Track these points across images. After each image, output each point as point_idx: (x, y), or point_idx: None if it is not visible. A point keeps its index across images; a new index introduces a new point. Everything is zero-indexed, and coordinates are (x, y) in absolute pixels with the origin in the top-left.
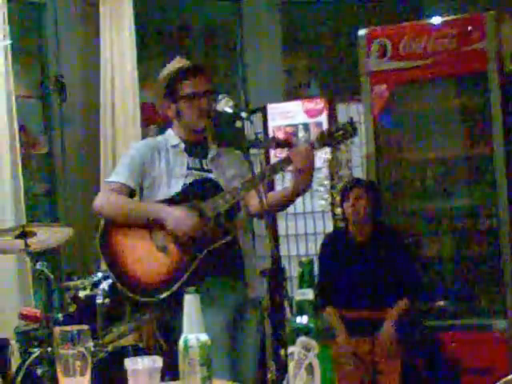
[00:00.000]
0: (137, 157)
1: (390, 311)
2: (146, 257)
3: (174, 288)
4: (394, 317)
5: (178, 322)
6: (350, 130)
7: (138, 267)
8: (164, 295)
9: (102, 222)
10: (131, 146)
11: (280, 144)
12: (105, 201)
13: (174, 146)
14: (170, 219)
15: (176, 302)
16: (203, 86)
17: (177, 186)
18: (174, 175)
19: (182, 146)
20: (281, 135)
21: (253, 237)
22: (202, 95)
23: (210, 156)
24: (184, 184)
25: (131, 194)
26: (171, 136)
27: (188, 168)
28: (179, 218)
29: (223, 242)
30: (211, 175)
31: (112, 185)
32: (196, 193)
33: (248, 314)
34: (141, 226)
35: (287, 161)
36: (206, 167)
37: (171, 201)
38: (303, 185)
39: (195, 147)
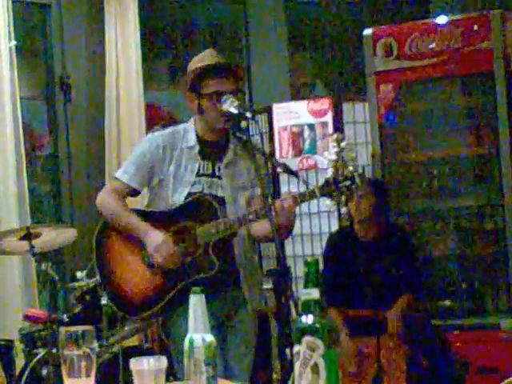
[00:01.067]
0: (147, 156)
1: (393, 309)
2: (134, 271)
3: (154, 310)
4: (398, 312)
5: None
6: (358, 182)
7: (125, 280)
8: (144, 315)
9: (100, 223)
10: (145, 140)
11: (287, 171)
12: (103, 200)
13: (190, 148)
14: (151, 245)
15: (179, 303)
16: (229, 86)
17: (180, 194)
18: (181, 182)
19: (197, 148)
20: (286, 136)
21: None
22: (229, 95)
23: (225, 160)
24: (188, 193)
25: (135, 193)
26: (190, 131)
27: (198, 174)
28: (159, 246)
29: (206, 275)
30: (220, 182)
31: (115, 183)
32: (195, 212)
33: (241, 315)
34: (134, 237)
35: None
36: (216, 173)
37: (169, 215)
38: (282, 235)
39: (212, 148)
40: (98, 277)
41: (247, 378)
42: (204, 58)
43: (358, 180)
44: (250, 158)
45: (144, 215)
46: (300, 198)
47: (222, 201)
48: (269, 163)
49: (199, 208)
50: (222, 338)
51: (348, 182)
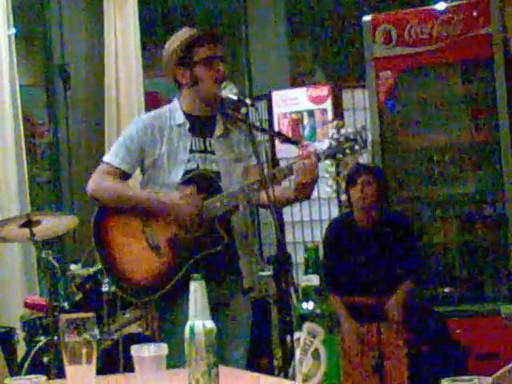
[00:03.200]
0: (135, 138)
1: (394, 296)
2: (137, 254)
3: (164, 291)
4: (399, 299)
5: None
6: (360, 141)
7: (129, 264)
8: (152, 297)
9: (96, 210)
10: (132, 123)
11: (286, 140)
12: (98, 185)
13: (179, 126)
14: (169, 204)
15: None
16: (220, 51)
17: (177, 174)
18: (175, 160)
19: (187, 125)
20: (286, 123)
21: (258, 224)
22: (220, 59)
23: (216, 134)
24: (185, 171)
25: (126, 176)
26: (177, 110)
27: (190, 151)
28: (178, 202)
29: (218, 248)
30: (214, 157)
31: (104, 167)
32: (196, 187)
33: (238, 302)
34: (134, 220)
35: (290, 170)
36: (208, 148)
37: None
38: (303, 196)
39: (201, 123)
40: (98, 265)
41: (243, 365)
42: (185, 32)
43: (359, 139)
44: (242, 130)
45: None
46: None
47: (217, 175)
48: (266, 135)
49: (200, 183)
50: (218, 325)
51: (350, 143)
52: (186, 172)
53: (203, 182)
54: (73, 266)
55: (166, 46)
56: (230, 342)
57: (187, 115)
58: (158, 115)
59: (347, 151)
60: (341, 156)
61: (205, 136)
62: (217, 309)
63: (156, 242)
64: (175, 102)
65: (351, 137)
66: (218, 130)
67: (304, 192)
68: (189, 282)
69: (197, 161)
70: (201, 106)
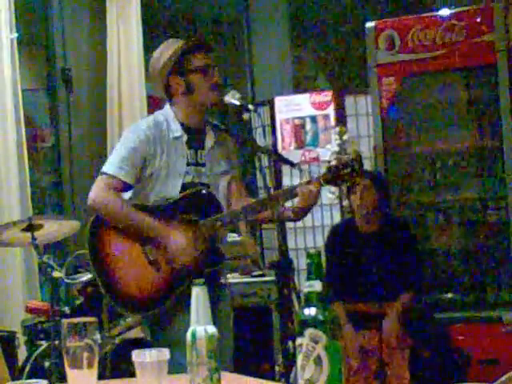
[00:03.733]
0: (140, 149)
1: (392, 305)
2: (135, 268)
3: (162, 307)
4: (397, 310)
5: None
6: (357, 167)
7: (126, 278)
8: (150, 312)
9: (92, 219)
10: (132, 133)
11: (284, 161)
12: (102, 199)
13: (177, 139)
14: (172, 245)
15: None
16: (213, 60)
17: (175, 186)
18: (174, 172)
19: (185, 138)
20: (288, 128)
21: (260, 230)
22: (214, 68)
23: (207, 146)
24: (183, 185)
25: (128, 188)
26: (173, 121)
27: (187, 164)
28: (181, 246)
29: (216, 268)
30: (204, 170)
31: (110, 180)
32: (196, 204)
33: (221, 310)
34: (133, 234)
35: (292, 194)
36: (200, 160)
37: (169, 208)
38: (299, 218)
39: (195, 136)
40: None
41: (231, 370)
42: (174, 43)
43: (356, 166)
44: (230, 141)
45: (144, 210)
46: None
47: (207, 188)
48: (265, 156)
49: (198, 200)
50: None
51: (348, 169)
52: (184, 185)
53: (201, 200)
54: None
55: (156, 56)
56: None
57: (183, 126)
58: (155, 125)
59: (346, 177)
60: (340, 182)
61: (197, 148)
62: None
63: (155, 258)
64: (169, 111)
65: (349, 162)
66: (209, 143)
67: (301, 215)
68: (185, 300)
69: (192, 174)
70: (195, 115)
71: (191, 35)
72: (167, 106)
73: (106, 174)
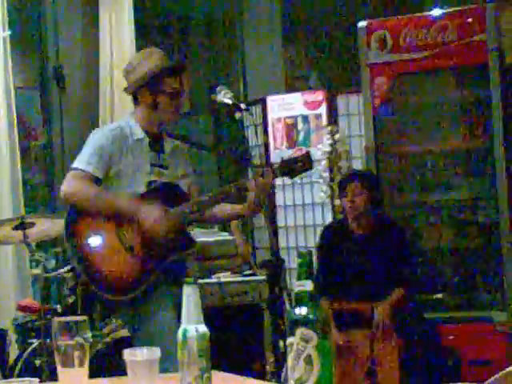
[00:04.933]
0: (106, 147)
1: (383, 301)
2: (112, 254)
3: (141, 289)
4: (388, 304)
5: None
6: (307, 162)
7: (104, 263)
8: (129, 296)
9: (66, 214)
10: (97, 134)
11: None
12: (75, 188)
13: (139, 140)
14: (147, 217)
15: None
16: (184, 85)
17: (139, 184)
18: (139, 171)
19: (147, 140)
20: (280, 128)
21: (251, 229)
22: (180, 92)
23: (167, 151)
24: (149, 182)
25: (97, 183)
26: (134, 125)
27: (151, 165)
28: (156, 217)
29: (187, 252)
30: (167, 172)
31: (78, 173)
32: (160, 196)
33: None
34: (108, 220)
35: (244, 188)
36: (163, 163)
37: (139, 198)
38: (255, 211)
39: (155, 141)
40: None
41: None
42: (156, 59)
43: (306, 160)
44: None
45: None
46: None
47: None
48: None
49: (166, 192)
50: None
51: (300, 164)
52: (149, 183)
53: (169, 191)
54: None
55: (131, 65)
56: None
57: (144, 129)
58: (119, 127)
59: (298, 169)
60: (294, 174)
61: (158, 152)
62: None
63: (130, 243)
64: (131, 118)
65: (300, 158)
66: (167, 148)
67: (256, 208)
68: (159, 284)
69: (156, 174)
70: (155, 125)
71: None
72: (128, 116)
73: (75, 169)
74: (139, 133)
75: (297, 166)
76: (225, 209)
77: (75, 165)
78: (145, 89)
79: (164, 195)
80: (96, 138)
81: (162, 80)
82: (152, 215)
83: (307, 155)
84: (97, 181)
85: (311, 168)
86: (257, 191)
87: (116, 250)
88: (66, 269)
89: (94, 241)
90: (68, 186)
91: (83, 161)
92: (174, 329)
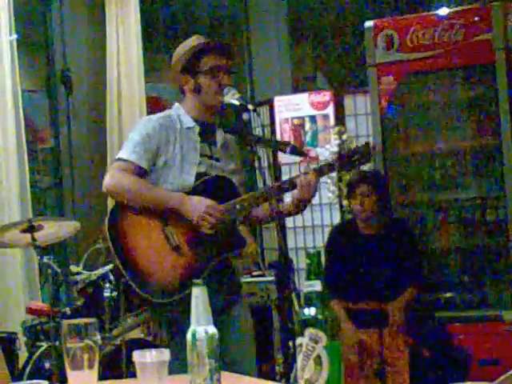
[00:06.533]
0: (152, 137)
1: (396, 301)
2: (157, 254)
3: (187, 292)
4: (401, 304)
5: (184, 316)
6: (367, 153)
7: (149, 265)
8: (175, 298)
9: (111, 208)
10: (143, 123)
11: (295, 152)
12: (117, 181)
13: (189, 129)
14: (194, 207)
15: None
16: (225, 62)
17: (188, 174)
18: (187, 162)
19: (197, 129)
20: (288, 128)
21: (259, 230)
22: (224, 70)
23: (219, 143)
24: (198, 174)
25: (142, 174)
26: (183, 114)
27: (201, 155)
28: (203, 206)
29: (238, 251)
30: (219, 164)
31: (121, 164)
32: (211, 190)
33: (237, 309)
34: (153, 219)
35: (292, 185)
36: (215, 155)
37: (188, 193)
38: (299, 210)
39: (207, 130)
40: (100, 270)
41: (254, 369)
42: (194, 40)
43: (364, 151)
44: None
45: None
46: (319, 172)
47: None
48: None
49: (216, 187)
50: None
51: (357, 156)
52: (198, 175)
53: (221, 185)
54: (73, 267)
55: (175, 52)
56: (235, 349)
57: (194, 119)
58: (167, 116)
59: (355, 163)
60: (347, 168)
61: (210, 142)
62: (218, 316)
63: (176, 243)
64: (178, 107)
65: (358, 149)
66: (220, 140)
67: (301, 207)
68: (208, 285)
69: (205, 165)
70: (205, 113)
71: (213, 35)
72: (176, 104)
73: (119, 159)
74: (189, 121)
75: (355, 159)
76: (266, 208)
77: (119, 155)
78: (185, 72)
79: (215, 190)
80: (142, 127)
81: (200, 60)
82: (200, 209)
83: (367, 146)
84: (142, 172)
85: (369, 161)
86: (301, 190)
87: (161, 249)
88: (107, 268)
89: (138, 241)
90: (110, 178)
91: (127, 150)
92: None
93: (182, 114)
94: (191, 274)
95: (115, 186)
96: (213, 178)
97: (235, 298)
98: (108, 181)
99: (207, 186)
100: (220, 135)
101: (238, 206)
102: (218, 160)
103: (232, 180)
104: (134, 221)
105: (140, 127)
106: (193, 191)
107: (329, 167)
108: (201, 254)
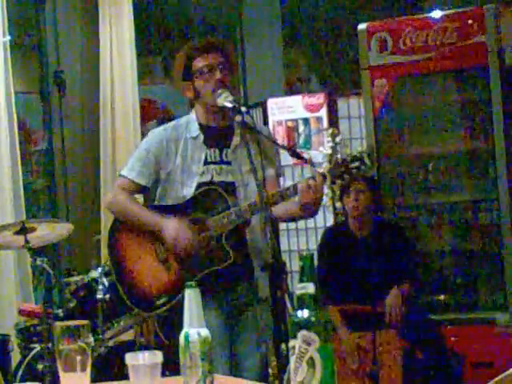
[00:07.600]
0: (151, 151)
1: (392, 294)
2: (147, 267)
3: (172, 303)
4: (397, 299)
5: (177, 318)
6: (368, 162)
7: (141, 277)
8: (159, 311)
9: (111, 221)
10: (149, 135)
11: (296, 156)
12: (113, 199)
13: (194, 138)
14: (168, 233)
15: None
16: (216, 60)
17: (190, 186)
18: (189, 173)
19: (202, 137)
20: (281, 131)
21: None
22: (216, 67)
23: (233, 144)
24: (198, 184)
25: (143, 189)
26: (192, 123)
27: (205, 163)
28: (177, 232)
29: (224, 265)
30: (230, 168)
31: (122, 181)
32: (206, 202)
33: (252, 310)
34: (145, 234)
35: (295, 190)
36: (225, 159)
37: (180, 207)
38: (307, 214)
39: (217, 135)
40: (93, 272)
41: (258, 373)
42: (187, 45)
43: (367, 160)
44: (255, 141)
45: (155, 210)
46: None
47: (232, 186)
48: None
49: (208, 199)
50: (233, 333)
51: (357, 163)
52: (200, 184)
53: (211, 198)
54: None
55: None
56: (244, 350)
57: (202, 126)
58: (175, 127)
59: (354, 171)
60: (347, 176)
61: (221, 147)
62: (233, 316)
63: (165, 257)
64: (192, 115)
65: (359, 156)
66: (235, 141)
67: (308, 211)
68: (203, 292)
69: (211, 172)
70: (213, 116)
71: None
72: (192, 110)
73: (120, 175)
74: (195, 130)
75: (353, 166)
76: (284, 208)
77: (121, 171)
78: (184, 79)
79: (205, 203)
80: (144, 141)
81: (192, 63)
82: (173, 232)
83: (367, 154)
84: (141, 188)
85: (369, 169)
86: (305, 194)
87: (151, 263)
88: (100, 270)
89: (132, 254)
90: (110, 195)
91: (128, 167)
92: (217, 336)
93: (191, 121)
94: (176, 287)
95: (111, 203)
96: (203, 191)
97: (251, 296)
98: (108, 198)
99: (197, 200)
100: (237, 135)
101: (225, 221)
102: (229, 163)
103: (222, 192)
104: (130, 235)
105: (143, 141)
106: (184, 204)
107: (332, 170)
108: (186, 268)
